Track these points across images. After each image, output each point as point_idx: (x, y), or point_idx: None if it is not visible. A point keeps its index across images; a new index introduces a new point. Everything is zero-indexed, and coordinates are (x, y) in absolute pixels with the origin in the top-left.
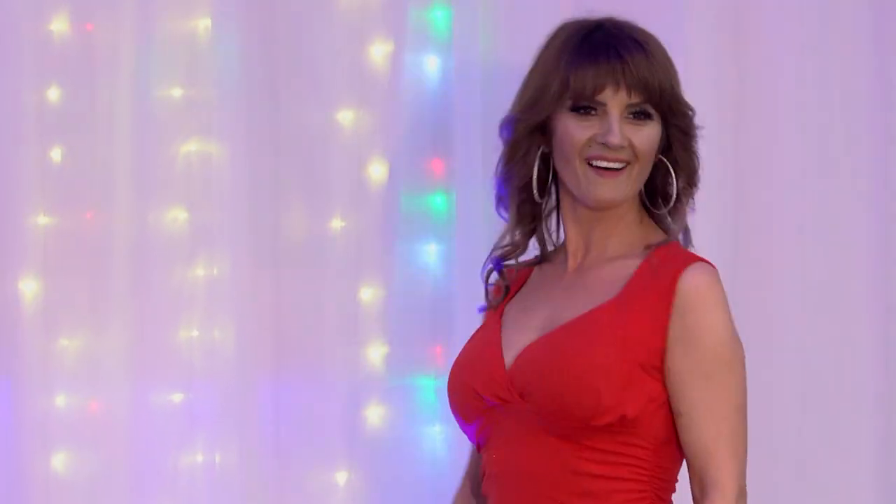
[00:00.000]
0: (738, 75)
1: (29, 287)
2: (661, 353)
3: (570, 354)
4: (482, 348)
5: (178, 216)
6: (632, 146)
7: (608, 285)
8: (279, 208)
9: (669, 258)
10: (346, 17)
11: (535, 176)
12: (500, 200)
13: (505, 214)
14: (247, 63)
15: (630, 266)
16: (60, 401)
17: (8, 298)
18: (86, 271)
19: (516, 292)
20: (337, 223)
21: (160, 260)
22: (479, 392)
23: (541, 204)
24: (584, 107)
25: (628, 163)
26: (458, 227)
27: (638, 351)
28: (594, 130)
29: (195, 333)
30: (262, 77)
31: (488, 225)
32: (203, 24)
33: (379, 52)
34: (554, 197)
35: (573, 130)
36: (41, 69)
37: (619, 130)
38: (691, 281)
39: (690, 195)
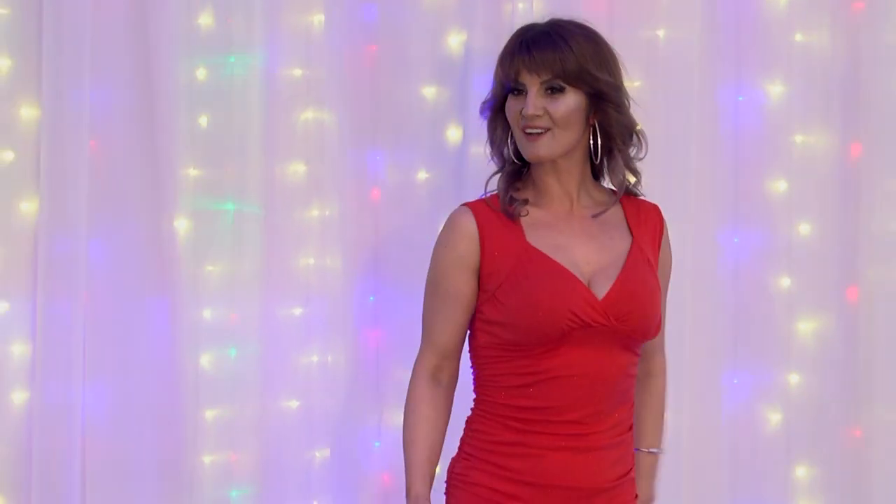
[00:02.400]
0: None
1: (182, 224)
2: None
3: (647, 290)
4: (559, 278)
5: (297, 169)
6: (548, 113)
7: (618, 228)
8: (376, 163)
9: (638, 203)
10: (429, 12)
11: (509, 146)
12: (492, 157)
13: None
14: (351, 49)
15: (616, 212)
16: (207, 313)
17: (165, 234)
18: (225, 212)
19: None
20: (422, 174)
21: (284, 203)
22: (578, 315)
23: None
24: (514, 89)
25: (549, 128)
26: None
27: (657, 276)
28: (521, 105)
29: (311, 261)
30: (363, 60)
31: None
32: (318, 18)
33: (455, 40)
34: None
35: (510, 107)
36: (192, 53)
37: (532, 103)
38: (665, 221)
39: (628, 151)
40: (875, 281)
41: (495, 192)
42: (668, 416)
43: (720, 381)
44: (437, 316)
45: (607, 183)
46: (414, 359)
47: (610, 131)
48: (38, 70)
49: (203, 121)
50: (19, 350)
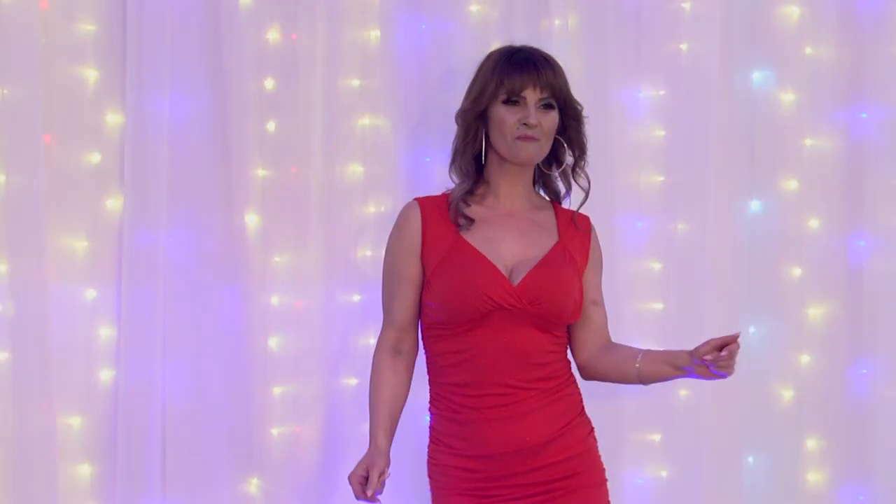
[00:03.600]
0: None
1: (252, 220)
2: (583, 271)
3: (562, 280)
4: (480, 267)
5: (355, 170)
6: (541, 125)
7: (547, 229)
8: (423, 164)
9: (570, 213)
10: (475, 28)
11: (484, 148)
12: (454, 164)
13: (454, 176)
14: (407, 61)
15: (549, 216)
16: (274, 300)
17: (237, 228)
18: (291, 208)
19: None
20: None
21: (343, 200)
22: (493, 298)
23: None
24: (513, 100)
25: (539, 138)
26: None
27: (580, 273)
28: (518, 115)
29: (369, 253)
30: (413, 70)
31: None
32: (374, 33)
33: None
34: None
35: (505, 116)
36: (260, 66)
37: (535, 114)
38: (594, 228)
39: (581, 165)
40: None
41: (442, 194)
42: None
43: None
44: (393, 296)
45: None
46: None
47: (571, 147)
48: (123, 80)
49: (271, 126)
50: (106, 333)
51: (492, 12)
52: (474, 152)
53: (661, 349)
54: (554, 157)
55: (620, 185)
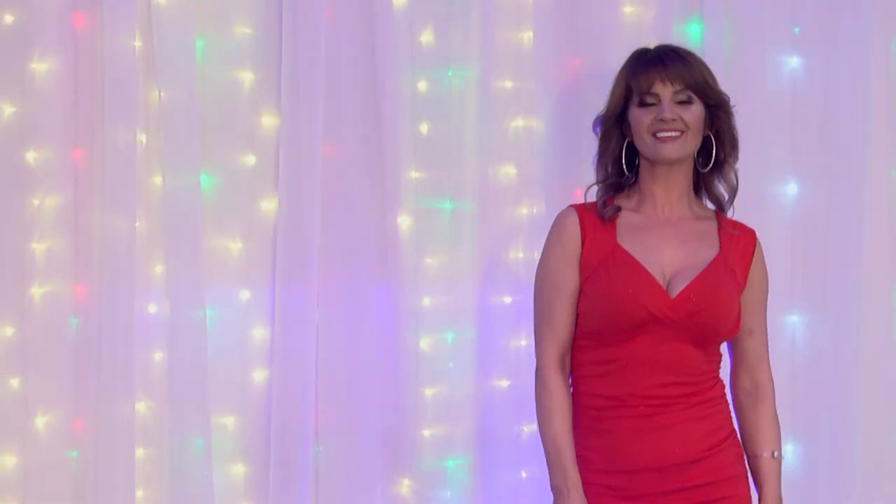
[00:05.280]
0: None
1: (404, 221)
2: (742, 290)
3: (720, 294)
4: (637, 275)
5: (509, 171)
6: (682, 119)
7: (707, 239)
8: (578, 165)
9: (735, 224)
10: (628, 28)
11: (623, 153)
12: (597, 172)
13: (598, 184)
14: (557, 63)
15: (711, 226)
16: (426, 301)
17: (389, 229)
18: (443, 210)
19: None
20: None
21: (496, 201)
22: (648, 309)
23: (624, 172)
24: (645, 101)
25: (682, 132)
26: None
27: (740, 289)
28: (654, 114)
29: (521, 254)
30: (566, 72)
31: None
32: (527, 35)
33: None
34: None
35: (641, 117)
36: (414, 67)
37: (669, 108)
38: (760, 244)
39: (733, 159)
40: None
41: (593, 202)
42: None
43: None
44: (554, 308)
45: (704, 198)
46: None
47: (723, 139)
48: (278, 82)
49: (424, 128)
50: (259, 333)
51: (646, 13)
52: (613, 158)
53: (775, 474)
54: (708, 155)
55: None
